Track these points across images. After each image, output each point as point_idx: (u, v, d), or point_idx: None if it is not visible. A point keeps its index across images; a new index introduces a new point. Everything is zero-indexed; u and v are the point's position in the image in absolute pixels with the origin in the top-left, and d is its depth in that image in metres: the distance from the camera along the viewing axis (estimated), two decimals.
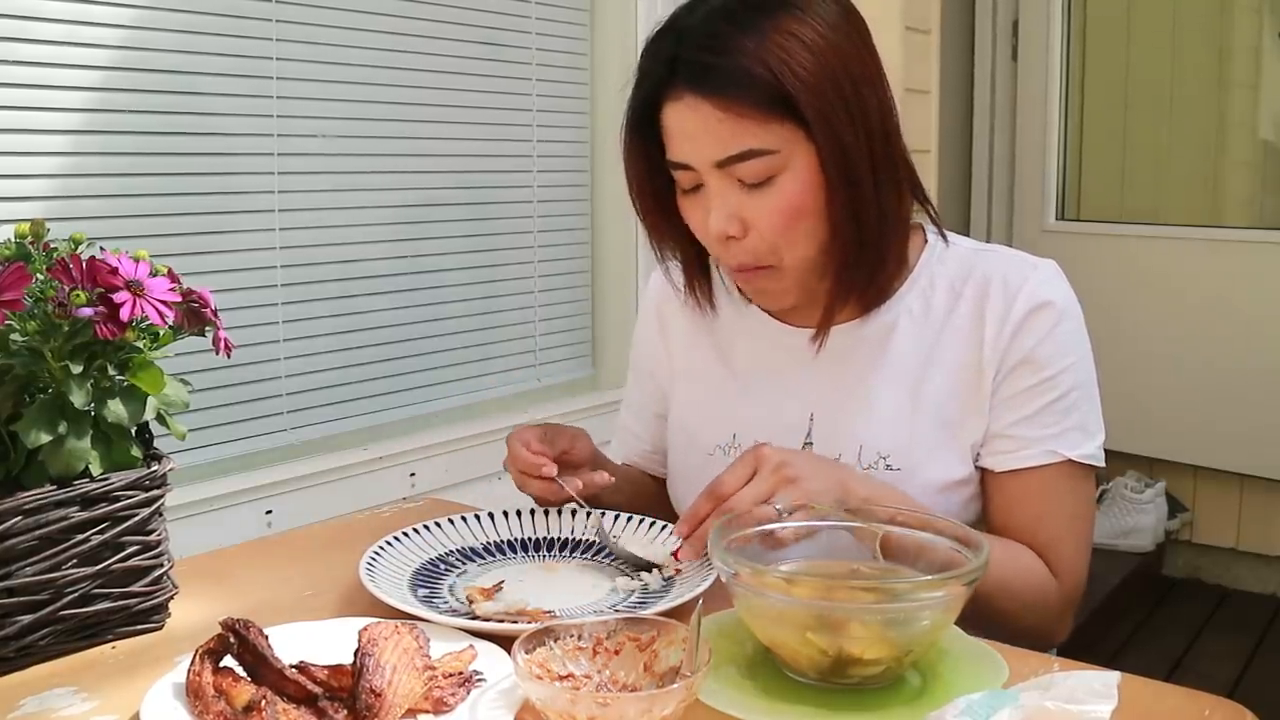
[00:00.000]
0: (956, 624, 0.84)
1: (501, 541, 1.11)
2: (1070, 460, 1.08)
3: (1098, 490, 3.38)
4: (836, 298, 1.10)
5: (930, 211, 1.15)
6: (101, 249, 0.90)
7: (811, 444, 1.14)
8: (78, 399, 0.87)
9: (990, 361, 1.09)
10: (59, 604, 0.87)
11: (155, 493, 0.92)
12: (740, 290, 1.18)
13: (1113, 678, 0.71)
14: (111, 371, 0.91)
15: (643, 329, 1.34)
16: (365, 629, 0.80)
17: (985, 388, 1.09)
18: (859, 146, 1.03)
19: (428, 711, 0.77)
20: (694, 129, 1.03)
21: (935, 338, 1.12)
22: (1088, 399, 1.10)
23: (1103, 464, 1.10)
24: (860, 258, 1.07)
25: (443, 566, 1.06)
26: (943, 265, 1.14)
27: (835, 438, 1.12)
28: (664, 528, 1.10)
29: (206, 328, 0.95)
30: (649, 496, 1.30)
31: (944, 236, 1.16)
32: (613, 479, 1.15)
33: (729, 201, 1.04)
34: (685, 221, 1.10)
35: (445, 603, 0.97)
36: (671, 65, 1.03)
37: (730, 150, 1.02)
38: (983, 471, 1.11)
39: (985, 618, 0.94)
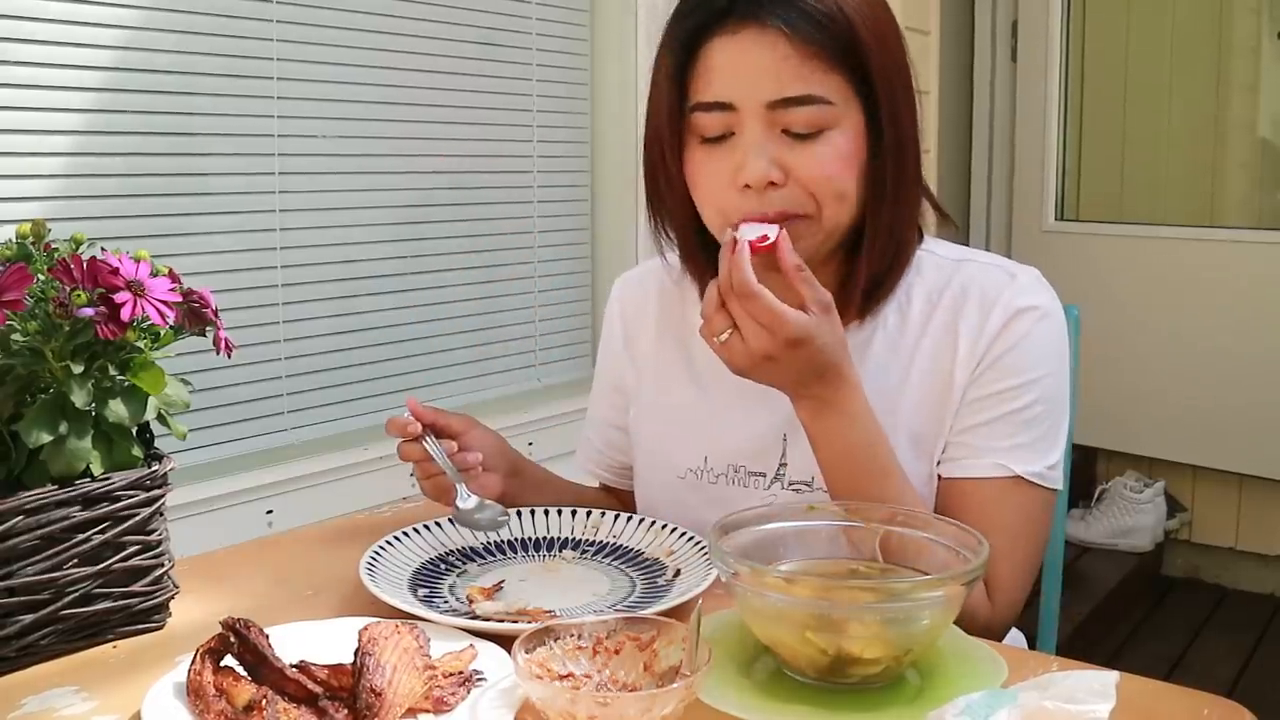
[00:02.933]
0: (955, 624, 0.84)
1: (502, 541, 1.11)
2: (1019, 476, 1.03)
3: (1096, 491, 3.39)
4: (857, 276, 1.05)
5: (943, 213, 1.13)
6: (102, 249, 0.90)
7: (786, 465, 1.09)
8: (79, 399, 0.87)
9: (962, 371, 1.05)
10: (60, 603, 0.87)
11: (156, 492, 0.93)
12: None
13: (1111, 677, 0.71)
14: (112, 371, 0.91)
15: (607, 341, 1.28)
16: (365, 629, 0.80)
17: (953, 398, 1.05)
18: (910, 128, 1.02)
19: (428, 711, 0.77)
20: (754, 63, 0.97)
21: (910, 353, 1.07)
22: (1050, 415, 1.05)
23: (1057, 486, 1.05)
24: (887, 244, 1.04)
25: (443, 566, 1.06)
26: (920, 276, 1.09)
27: (809, 459, 1.05)
28: (664, 526, 1.10)
29: (207, 328, 0.95)
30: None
31: (920, 237, 1.11)
32: (480, 458, 1.12)
33: (769, 148, 0.98)
34: (692, 178, 1.04)
35: (445, 603, 0.97)
36: None
37: (790, 91, 0.97)
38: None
39: None
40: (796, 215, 1.00)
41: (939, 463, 1.06)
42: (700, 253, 1.10)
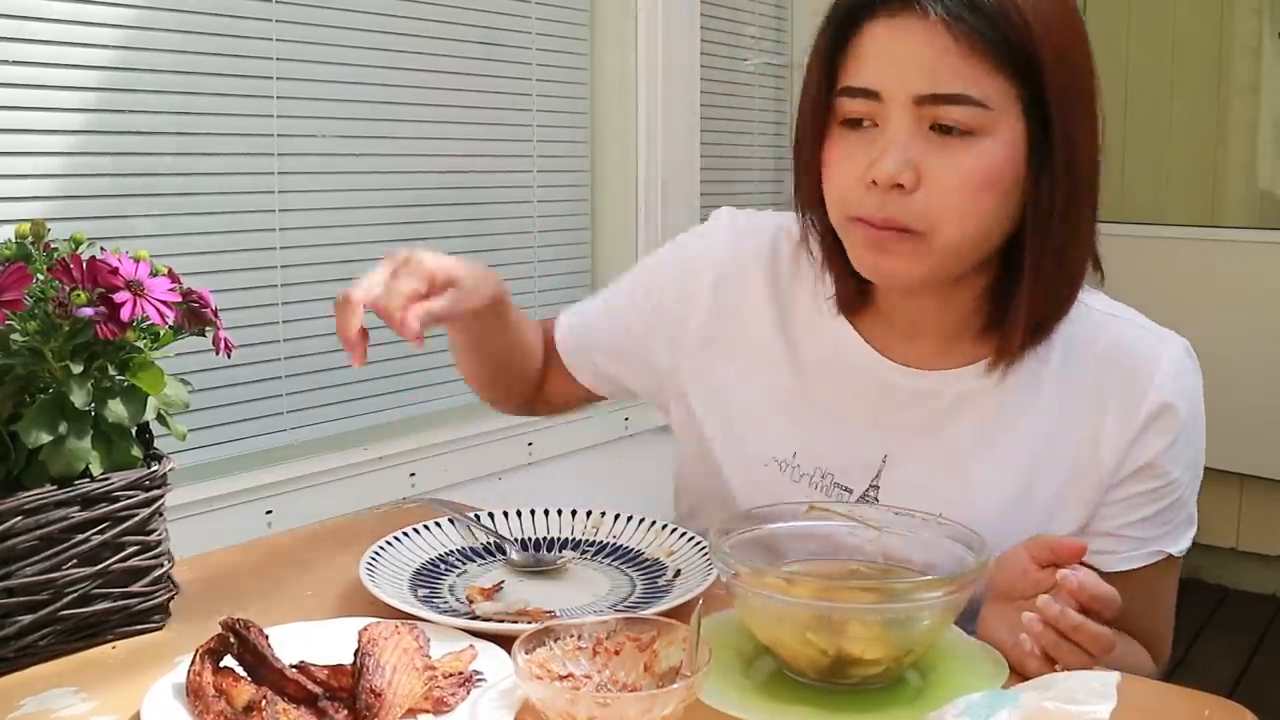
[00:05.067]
0: (956, 624, 0.84)
1: (501, 541, 1.11)
2: (1173, 556, 1.03)
3: None
4: (1016, 313, 0.96)
5: (1095, 261, 1.02)
6: (102, 249, 0.90)
7: (878, 488, 1.02)
8: (78, 399, 0.87)
9: (1109, 458, 0.99)
10: (59, 604, 0.87)
11: (155, 493, 0.92)
12: (829, 282, 1.03)
13: (1112, 678, 0.71)
14: (112, 371, 0.90)
15: (686, 276, 1.12)
16: (365, 629, 0.80)
17: (1098, 481, 0.99)
18: (1088, 151, 0.92)
19: (428, 711, 0.77)
20: (909, 52, 0.89)
21: (1046, 412, 1.00)
22: (1195, 490, 1.03)
23: None
24: (1054, 281, 0.95)
25: (443, 566, 1.06)
26: (1068, 324, 1.00)
27: (913, 499, 0.97)
28: (664, 526, 1.10)
29: (206, 328, 0.95)
30: (526, 360, 1.16)
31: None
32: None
33: (913, 146, 0.90)
34: (826, 162, 0.96)
35: (445, 603, 0.97)
36: None
37: (944, 87, 0.88)
38: None
39: None
40: (906, 230, 0.91)
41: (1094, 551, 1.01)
42: (836, 247, 1.01)
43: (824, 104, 0.95)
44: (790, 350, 1.07)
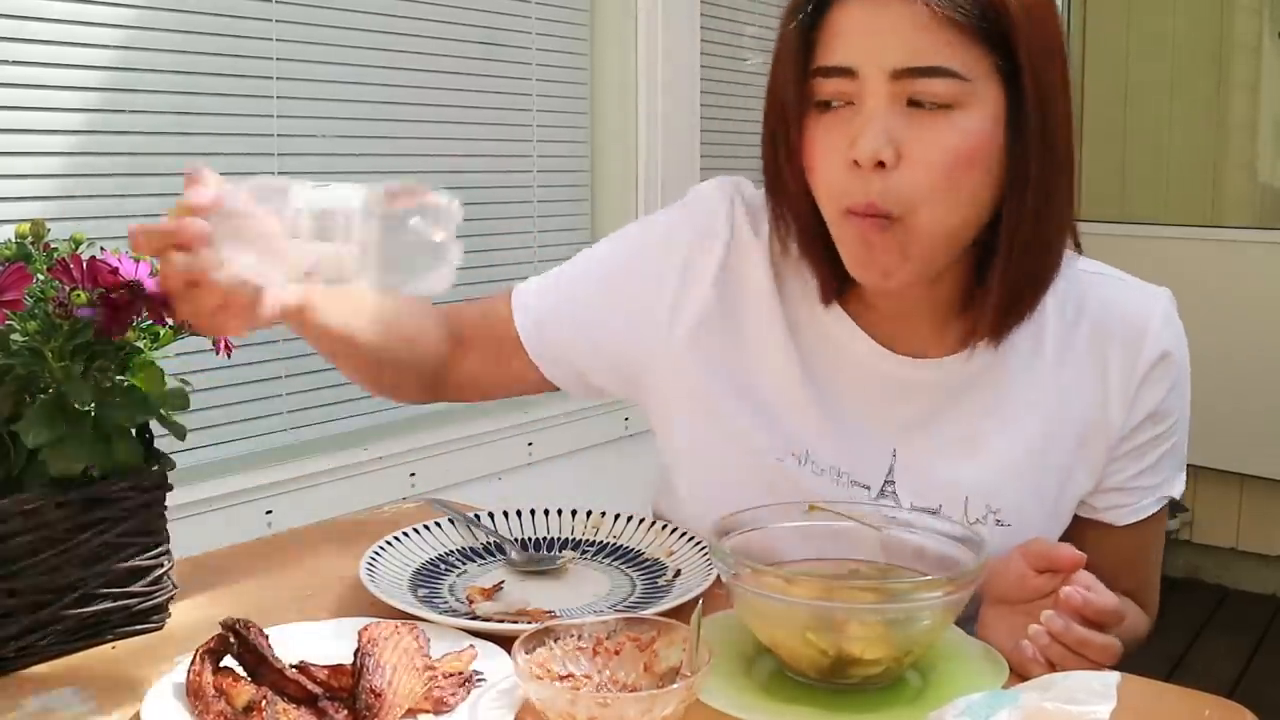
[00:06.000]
0: (957, 624, 0.84)
1: (502, 541, 1.11)
2: (1168, 497, 1.06)
3: None
4: (988, 286, 0.95)
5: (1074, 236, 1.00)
6: (102, 249, 0.90)
7: (894, 483, 1.00)
8: (78, 399, 0.87)
9: (1116, 417, 1.00)
10: (59, 604, 0.87)
11: (155, 493, 0.92)
12: (819, 279, 1.00)
13: (1112, 678, 0.71)
14: (112, 371, 0.90)
15: (676, 261, 1.05)
16: (365, 629, 0.80)
17: (1108, 443, 1.01)
18: (1062, 116, 0.92)
19: (428, 711, 0.77)
20: (884, 27, 0.88)
21: (1050, 376, 1.00)
22: (1187, 433, 1.05)
23: None
24: (1028, 250, 0.93)
25: (443, 566, 1.06)
26: (1059, 288, 1.00)
27: (933, 486, 1.00)
28: (664, 526, 1.10)
29: None
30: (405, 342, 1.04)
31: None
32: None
33: (891, 122, 0.89)
34: (808, 151, 0.94)
35: (445, 603, 0.97)
36: None
37: (920, 60, 0.87)
38: (1083, 521, 1.05)
39: None
40: (886, 216, 0.90)
41: (1080, 505, 1.04)
42: (819, 243, 0.98)
43: (799, 88, 0.93)
44: (794, 339, 1.03)
